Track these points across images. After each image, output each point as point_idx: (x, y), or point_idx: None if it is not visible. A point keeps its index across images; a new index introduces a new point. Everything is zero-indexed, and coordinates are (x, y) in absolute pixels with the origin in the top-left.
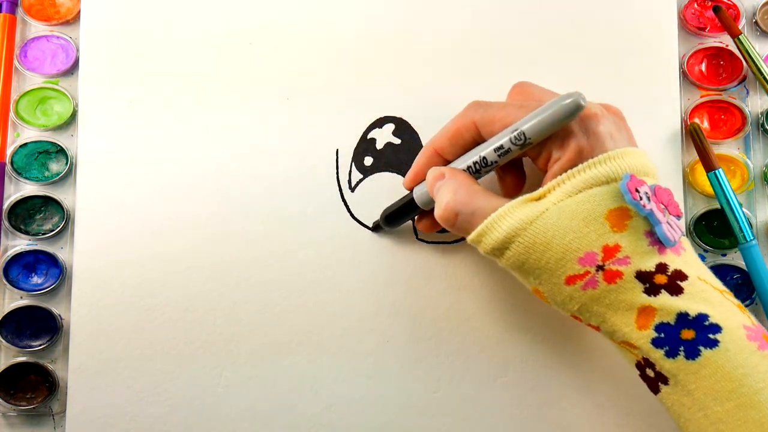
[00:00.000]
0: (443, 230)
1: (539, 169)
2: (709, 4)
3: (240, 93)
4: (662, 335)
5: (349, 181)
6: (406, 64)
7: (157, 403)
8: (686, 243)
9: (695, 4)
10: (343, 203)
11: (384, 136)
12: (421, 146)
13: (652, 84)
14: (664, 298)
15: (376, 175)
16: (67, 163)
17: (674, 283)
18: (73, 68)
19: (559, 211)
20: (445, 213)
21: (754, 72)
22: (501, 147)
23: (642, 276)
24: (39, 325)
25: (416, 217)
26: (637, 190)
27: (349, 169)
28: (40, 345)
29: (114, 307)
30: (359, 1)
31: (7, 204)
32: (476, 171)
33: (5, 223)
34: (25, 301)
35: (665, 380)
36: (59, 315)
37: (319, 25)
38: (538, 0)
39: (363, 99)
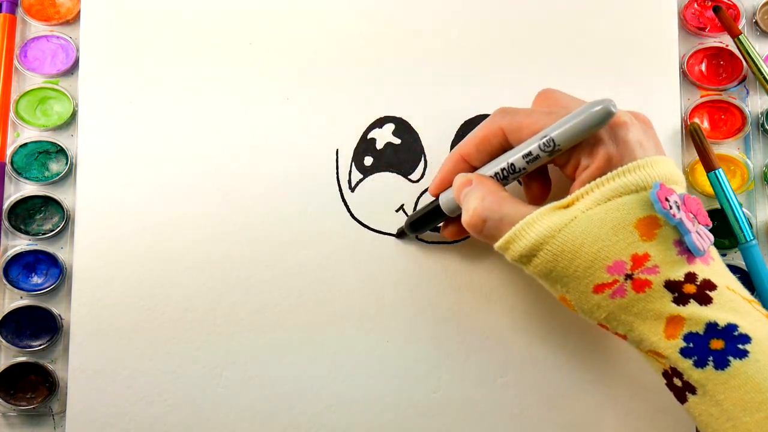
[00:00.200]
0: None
1: (567, 176)
2: (709, 4)
3: (240, 93)
4: (691, 345)
5: (349, 181)
6: (406, 64)
7: (157, 403)
8: (715, 253)
9: (695, 4)
10: (343, 203)
11: (384, 136)
12: (421, 146)
13: (652, 84)
14: (693, 308)
15: (376, 175)
16: (67, 163)
17: (703, 292)
18: (73, 68)
19: (587, 219)
20: (472, 219)
21: (754, 72)
22: (530, 154)
23: (671, 285)
24: (39, 325)
25: (442, 224)
26: (666, 200)
27: (349, 169)
28: (40, 345)
29: (114, 307)
30: (359, 1)
31: (7, 204)
32: (504, 178)
33: (5, 223)
34: (25, 301)
35: (693, 390)
36: (59, 315)
37: (319, 25)
38: (538, 2)
39: (363, 99)
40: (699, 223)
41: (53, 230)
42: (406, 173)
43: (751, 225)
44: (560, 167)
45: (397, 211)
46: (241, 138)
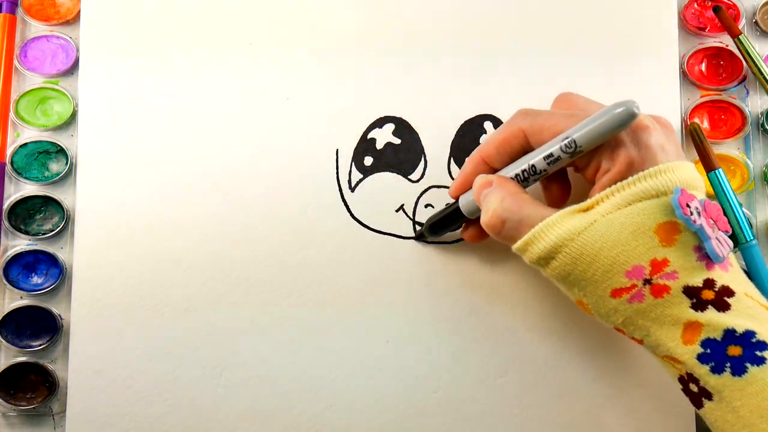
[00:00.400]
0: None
1: (587, 180)
2: (709, 4)
3: (240, 93)
4: (708, 351)
5: (349, 181)
6: (406, 64)
7: (157, 403)
8: (733, 259)
9: (695, 4)
10: (343, 203)
11: (384, 136)
12: (421, 146)
13: (652, 84)
14: (711, 314)
15: (376, 175)
16: (67, 163)
17: (721, 299)
18: (73, 68)
19: (607, 223)
20: (492, 220)
21: (754, 72)
22: (551, 155)
23: (689, 291)
24: (39, 325)
25: (462, 226)
26: (687, 206)
27: (349, 169)
28: (40, 345)
29: (114, 307)
30: (359, 1)
31: (7, 204)
32: (524, 179)
33: (5, 223)
34: (25, 301)
35: (709, 396)
36: (59, 315)
37: (319, 25)
38: (538, 2)
39: (363, 99)
40: (719, 230)
41: (53, 230)
42: (406, 173)
43: (751, 225)
44: (580, 170)
45: (397, 211)
46: (241, 138)
